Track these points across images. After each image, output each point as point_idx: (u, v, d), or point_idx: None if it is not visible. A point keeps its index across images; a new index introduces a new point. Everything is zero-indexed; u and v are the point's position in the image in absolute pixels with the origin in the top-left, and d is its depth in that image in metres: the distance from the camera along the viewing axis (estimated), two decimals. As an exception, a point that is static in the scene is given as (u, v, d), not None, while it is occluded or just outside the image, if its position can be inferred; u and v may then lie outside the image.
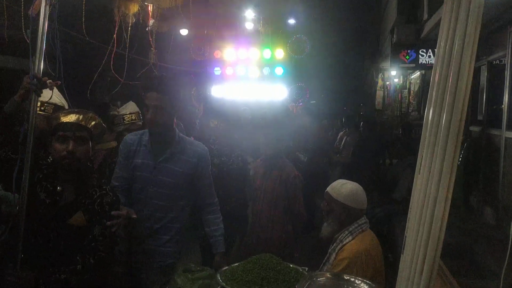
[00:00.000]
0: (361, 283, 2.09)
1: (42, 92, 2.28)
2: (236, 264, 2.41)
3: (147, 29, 5.38)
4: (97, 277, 2.33)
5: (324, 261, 2.64)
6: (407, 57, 9.21)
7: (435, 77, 1.58)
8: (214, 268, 2.60)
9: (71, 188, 2.31)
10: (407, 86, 14.34)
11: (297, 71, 10.21)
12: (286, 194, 3.66)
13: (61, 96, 2.96)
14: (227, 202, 4.07)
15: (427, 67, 9.15)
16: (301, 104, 9.18)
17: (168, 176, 2.78)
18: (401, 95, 15.22)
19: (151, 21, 5.30)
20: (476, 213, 6.04)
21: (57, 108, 2.73)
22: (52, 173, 2.33)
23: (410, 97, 14.17)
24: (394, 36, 9.66)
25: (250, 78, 8.74)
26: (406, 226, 1.75)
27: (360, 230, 2.55)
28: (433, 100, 1.59)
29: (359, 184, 2.69)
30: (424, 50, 8.92)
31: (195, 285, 2.34)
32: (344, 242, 2.53)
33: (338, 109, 15.63)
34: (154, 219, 2.77)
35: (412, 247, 1.63)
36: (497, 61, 6.29)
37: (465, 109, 1.47)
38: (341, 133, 8.51)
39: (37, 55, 2.28)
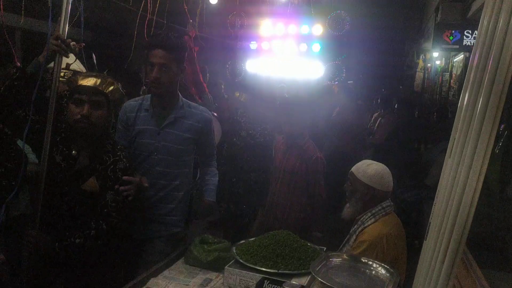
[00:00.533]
0: (378, 266, 2.07)
1: (68, 54, 2.27)
2: (253, 238, 2.40)
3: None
4: (112, 243, 2.35)
5: (344, 242, 2.62)
6: (451, 37, 8.79)
7: (475, 58, 1.50)
8: (201, 215, 2.71)
9: (86, 153, 2.33)
10: (449, 69, 13.82)
11: (335, 48, 9.99)
12: (306, 176, 3.54)
13: (80, 63, 2.94)
14: (250, 175, 4.11)
15: (472, 49, 8.75)
16: (336, 83, 8.99)
17: (173, 142, 2.70)
18: (441, 78, 14.70)
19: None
20: (512, 204, 5.85)
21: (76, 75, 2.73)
22: (69, 137, 2.32)
23: (452, 80, 13.65)
24: (439, 15, 9.24)
25: (286, 54, 8.61)
26: (432, 211, 1.70)
27: (384, 213, 2.51)
28: (470, 83, 1.50)
29: (390, 167, 2.63)
30: (470, 31, 8.47)
31: (210, 257, 2.34)
32: (366, 224, 2.50)
33: (375, 90, 15.25)
34: (158, 187, 2.69)
35: (436, 233, 1.58)
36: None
37: (505, 94, 1.38)
38: (376, 114, 8.34)
39: (63, 17, 2.25)
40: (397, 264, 2.38)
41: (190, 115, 2.75)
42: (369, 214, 2.53)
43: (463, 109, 1.54)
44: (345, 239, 2.64)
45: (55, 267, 2.30)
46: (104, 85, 2.32)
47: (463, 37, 8.60)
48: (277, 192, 3.66)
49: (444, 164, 1.68)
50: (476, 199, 1.44)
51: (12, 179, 2.26)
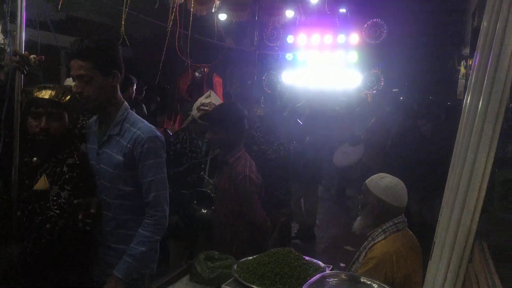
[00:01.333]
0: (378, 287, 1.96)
1: (26, 69, 2.21)
2: (255, 256, 2.35)
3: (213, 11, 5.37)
4: (59, 248, 2.26)
5: (354, 259, 2.55)
6: None
7: (476, 61, 1.47)
8: None
9: (45, 156, 2.36)
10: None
11: (373, 57, 9.88)
12: (237, 197, 3.00)
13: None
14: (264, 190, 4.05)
15: None
16: (374, 91, 8.87)
17: (107, 165, 2.34)
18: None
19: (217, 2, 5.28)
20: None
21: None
22: (31, 147, 2.35)
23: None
24: (475, 19, 8.99)
25: (323, 64, 8.58)
26: (440, 214, 1.66)
27: (395, 229, 2.43)
28: (471, 86, 1.48)
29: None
30: None
31: (213, 274, 2.31)
32: (376, 241, 2.43)
33: (421, 98, 14.88)
34: (105, 219, 2.36)
35: (443, 236, 1.54)
36: None
37: (506, 96, 1.35)
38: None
39: (18, 29, 2.16)
40: (410, 282, 2.30)
41: (126, 133, 2.33)
42: (380, 230, 2.46)
43: (465, 113, 1.53)
44: (355, 256, 2.58)
45: (18, 274, 2.26)
46: (60, 96, 2.31)
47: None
48: (216, 213, 3.32)
49: (450, 167, 1.64)
50: (481, 203, 1.40)
51: None
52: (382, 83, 8.80)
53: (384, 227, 2.44)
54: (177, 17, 4.42)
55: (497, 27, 1.38)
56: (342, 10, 7.10)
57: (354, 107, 8.33)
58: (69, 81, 3.43)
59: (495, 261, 1.96)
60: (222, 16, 5.39)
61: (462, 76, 17.40)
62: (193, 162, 3.60)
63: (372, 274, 2.21)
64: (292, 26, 8.47)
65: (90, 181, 2.44)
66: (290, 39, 8.59)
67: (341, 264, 5.66)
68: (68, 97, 2.33)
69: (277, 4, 6.12)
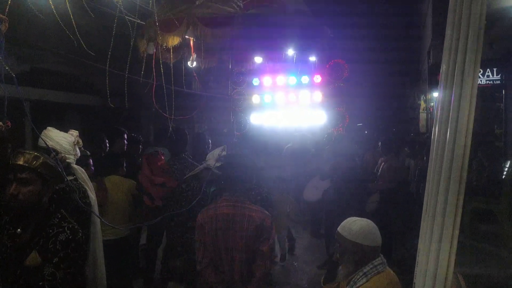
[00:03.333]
0: None
1: None
2: None
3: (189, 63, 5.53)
4: None
5: None
6: None
7: (440, 95, 1.61)
8: None
9: (30, 229, 2.33)
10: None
11: (336, 95, 10.18)
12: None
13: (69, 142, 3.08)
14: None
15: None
16: (340, 128, 9.12)
17: None
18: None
19: (194, 56, 5.44)
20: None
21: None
22: (15, 216, 2.35)
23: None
24: (431, 57, 9.51)
25: (288, 105, 8.81)
26: (417, 254, 1.71)
27: (375, 271, 2.45)
28: (438, 118, 1.61)
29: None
30: None
31: None
32: (358, 285, 2.44)
33: (382, 132, 15.33)
34: None
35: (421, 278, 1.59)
36: None
37: (470, 125, 1.48)
38: (382, 158, 8.35)
39: None
40: None
41: None
42: (361, 274, 2.46)
43: (435, 142, 1.64)
44: None
45: None
46: (30, 161, 2.31)
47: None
48: None
49: (425, 199, 1.72)
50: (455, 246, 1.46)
51: None
52: (347, 120, 9.07)
53: (364, 271, 2.45)
54: (153, 68, 4.51)
55: (456, 66, 1.51)
56: (312, 58, 7.39)
57: (322, 145, 8.52)
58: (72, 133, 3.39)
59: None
60: (191, 63, 5.51)
61: (423, 110, 18.13)
62: (200, 207, 3.63)
63: None
64: (258, 70, 8.71)
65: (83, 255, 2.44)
66: (255, 81, 8.81)
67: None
68: (39, 162, 2.33)
69: (245, 51, 6.30)
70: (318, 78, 8.92)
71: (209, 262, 3.11)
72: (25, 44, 5.77)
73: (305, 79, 8.84)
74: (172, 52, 4.91)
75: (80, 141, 3.35)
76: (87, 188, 3.20)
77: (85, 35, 3.61)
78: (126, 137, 5.70)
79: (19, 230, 2.30)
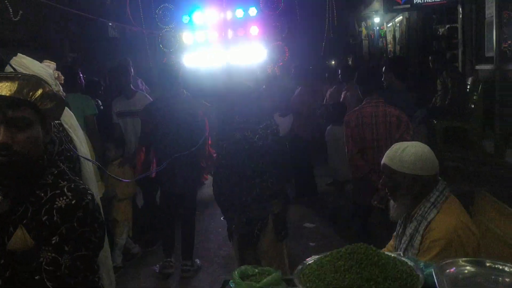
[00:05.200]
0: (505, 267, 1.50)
1: None
2: (315, 261, 1.71)
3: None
4: None
5: (401, 245, 2.17)
6: None
7: None
8: None
9: (11, 194, 1.53)
10: (393, 32, 13.78)
11: (275, 29, 9.62)
12: None
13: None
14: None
15: (423, 7, 8.63)
16: (281, 64, 8.66)
17: None
18: (386, 43, 14.67)
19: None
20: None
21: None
22: None
23: (390, 45, 13.68)
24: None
25: (223, 42, 8.14)
26: None
27: (444, 198, 2.10)
28: None
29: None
30: None
31: None
32: (430, 219, 2.06)
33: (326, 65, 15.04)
34: None
35: None
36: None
37: None
38: (331, 89, 8.09)
39: None
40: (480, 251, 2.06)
41: None
42: (428, 205, 2.10)
43: None
44: (403, 242, 2.18)
45: None
46: (26, 90, 1.48)
47: (414, -4, 8.45)
48: None
49: None
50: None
51: None
52: (287, 55, 8.60)
53: (431, 200, 2.09)
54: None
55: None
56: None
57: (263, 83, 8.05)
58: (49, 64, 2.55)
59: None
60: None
61: (365, 37, 17.86)
62: None
63: (443, 258, 1.79)
64: (186, 5, 7.95)
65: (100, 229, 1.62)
66: (185, 19, 8.03)
67: (311, 244, 5.40)
68: (39, 91, 1.51)
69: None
70: (253, 11, 8.28)
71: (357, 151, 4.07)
72: None
73: (239, 12, 8.17)
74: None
75: (61, 76, 2.57)
76: (74, 137, 2.48)
77: None
78: None
79: (0, 197, 1.52)
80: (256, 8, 8.28)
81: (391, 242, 2.44)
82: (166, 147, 4.64)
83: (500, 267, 1.50)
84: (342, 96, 7.45)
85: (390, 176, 2.14)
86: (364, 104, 4.15)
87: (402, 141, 3.87)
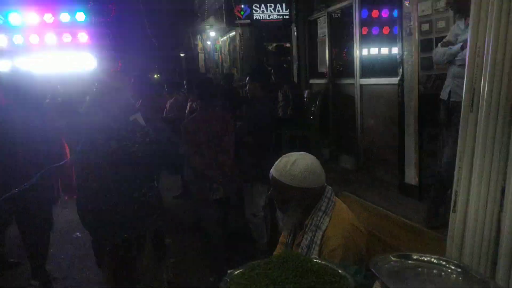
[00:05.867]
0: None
1: None
2: (244, 270, 1.55)
3: None
4: None
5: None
6: (242, 12, 9.02)
7: None
8: None
9: None
10: (228, 45, 14.33)
11: (107, 37, 9.23)
12: None
13: None
14: None
15: (262, 23, 9.13)
16: (112, 70, 8.33)
17: None
18: (221, 57, 15.19)
19: None
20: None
21: None
22: None
23: (221, 58, 14.26)
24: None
25: (48, 47, 7.47)
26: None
27: (333, 204, 2.09)
28: None
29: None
30: (257, 5, 8.85)
31: None
32: (324, 228, 2.03)
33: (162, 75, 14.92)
34: None
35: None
36: (337, 14, 7.04)
37: None
38: (171, 100, 8.06)
39: None
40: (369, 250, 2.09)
41: None
42: (320, 214, 2.06)
43: None
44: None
45: None
46: None
47: (253, 11, 8.86)
48: None
49: None
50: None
51: None
52: (120, 63, 8.30)
53: (322, 209, 2.06)
54: None
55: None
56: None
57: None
58: None
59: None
60: None
61: (200, 50, 18.24)
62: None
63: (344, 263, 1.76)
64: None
65: None
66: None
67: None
68: None
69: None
70: (81, 16, 7.79)
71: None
72: None
73: (65, 16, 7.59)
74: None
75: None
76: None
77: None
78: None
79: None
80: (84, 13, 7.80)
81: (279, 251, 2.37)
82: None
83: (426, 259, 1.50)
84: (188, 107, 7.47)
85: (280, 190, 2.09)
86: (199, 110, 4.42)
87: (230, 138, 4.19)
